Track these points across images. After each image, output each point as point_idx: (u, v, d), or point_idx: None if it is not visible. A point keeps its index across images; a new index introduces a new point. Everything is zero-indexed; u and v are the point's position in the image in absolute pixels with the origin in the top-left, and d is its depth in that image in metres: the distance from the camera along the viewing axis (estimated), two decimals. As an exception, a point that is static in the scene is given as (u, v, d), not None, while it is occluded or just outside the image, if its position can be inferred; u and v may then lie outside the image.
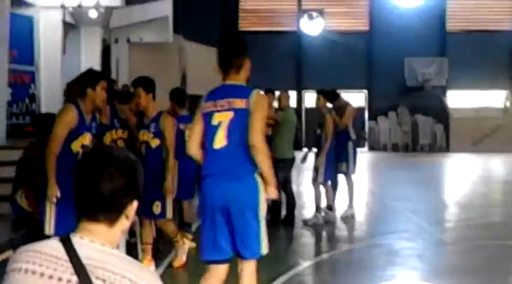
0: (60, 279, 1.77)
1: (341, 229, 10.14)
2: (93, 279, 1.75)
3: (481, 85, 31.41)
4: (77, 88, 5.79)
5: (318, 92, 10.47)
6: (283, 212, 10.12)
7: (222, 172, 4.39)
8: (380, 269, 7.45)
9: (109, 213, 1.90)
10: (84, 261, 1.79)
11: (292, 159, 10.06)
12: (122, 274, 1.78)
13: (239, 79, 4.73)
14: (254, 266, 4.49)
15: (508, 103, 31.47)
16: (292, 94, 30.60)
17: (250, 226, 4.36)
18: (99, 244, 1.86)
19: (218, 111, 4.48)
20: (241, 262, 4.45)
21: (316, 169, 10.05)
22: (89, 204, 1.89)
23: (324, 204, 10.26)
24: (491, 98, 32.24)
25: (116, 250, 1.90)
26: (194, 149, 4.58)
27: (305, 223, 10.05)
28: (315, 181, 10.12)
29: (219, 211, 4.35)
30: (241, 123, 4.41)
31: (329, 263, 7.92)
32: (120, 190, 1.89)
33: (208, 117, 4.52)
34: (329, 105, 10.42)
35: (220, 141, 4.43)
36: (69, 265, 1.78)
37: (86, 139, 5.60)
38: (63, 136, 5.46)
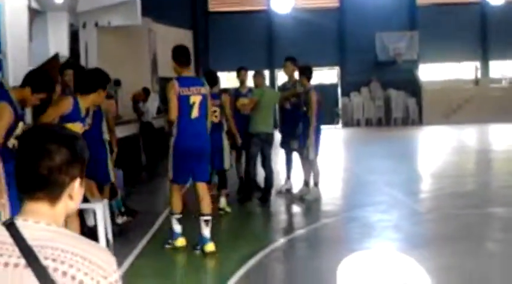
0: (6, 264, 1.71)
1: (316, 205, 10.16)
2: (42, 259, 1.69)
3: (452, 57, 31.62)
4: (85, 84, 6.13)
5: (286, 59, 10.59)
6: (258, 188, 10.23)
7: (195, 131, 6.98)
8: (356, 242, 7.52)
9: (49, 191, 1.81)
10: (31, 242, 1.72)
11: (270, 134, 10.08)
12: (72, 251, 1.72)
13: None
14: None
15: (479, 75, 31.71)
16: (265, 74, 30.64)
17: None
18: (45, 223, 1.79)
19: (193, 94, 6.95)
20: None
21: (304, 147, 10.01)
22: (28, 182, 1.81)
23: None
24: (462, 70, 32.49)
25: (63, 228, 1.83)
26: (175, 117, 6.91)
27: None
28: (306, 158, 10.09)
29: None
30: (205, 102, 7.07)
31: (305, 238, 7.95)
32: (58, 167, 1.80)
33: (185, 98, 6.90)
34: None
35: (195, 113, 6.95)
36: (15, 248, 1.71)
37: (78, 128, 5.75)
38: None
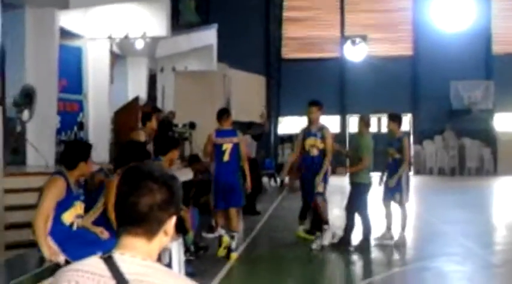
0: None
1: (389, 253, 10.03)
2: None
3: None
4: (70, 160, 5.68)
5: (390, 116, 10.61)
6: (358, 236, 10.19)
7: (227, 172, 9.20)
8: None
9: (147, 228, 1.90)
10: (127, 276, 1.80)
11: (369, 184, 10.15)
12: None
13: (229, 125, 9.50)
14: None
15: None
16: (336, 120, 30.66)
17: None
18: (141, 258, 1.87)
19: (225, 143, 9.20)
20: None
21: (400, 191, 10.21)
22: (128, 218, 1.90)
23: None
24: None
25: (158, 264, 1.91)
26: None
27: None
28: (401, 203, 10.26)
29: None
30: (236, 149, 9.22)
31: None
32: (158, 205, 1.89)
33: (219, 146, 9.23)
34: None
35: (226, 157, 9.18)
36: (113, 281, 1.80)
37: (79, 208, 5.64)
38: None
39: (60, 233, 5.46)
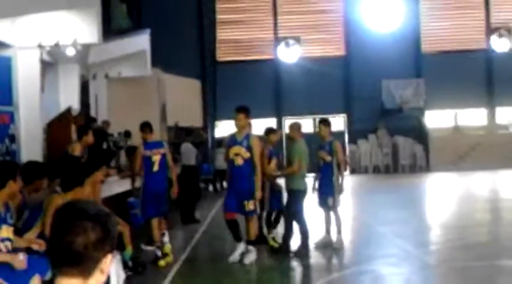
0: None
1: (327, 257, 10.15)
2: None
3: (458, 104, 31.76)
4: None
5: (321, 122, 10.77)
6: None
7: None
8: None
9: (83, 268, 1.87)
10: None
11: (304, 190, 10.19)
12: None
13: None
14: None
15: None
16: (273, 122, 30.84)
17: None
18: None
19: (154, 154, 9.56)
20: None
21: (333, 195, 10.37)
22: (63, 258, 1.87)
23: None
24: (468, 117, 32.61)
25: None
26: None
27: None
28: (334, 207, 10.43)
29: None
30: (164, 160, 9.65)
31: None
32: (93, 244, 1.87)
33: (148, 157, 9.52)
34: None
35: (156, 167, 9.55)
36: None
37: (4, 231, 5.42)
38: None
39: None
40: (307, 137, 10.66)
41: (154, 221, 9.55)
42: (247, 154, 9.19)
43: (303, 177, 10.12)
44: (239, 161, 9.22)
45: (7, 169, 5.58)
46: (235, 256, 9.30)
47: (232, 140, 9.41)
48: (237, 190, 9.25)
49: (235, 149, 9.27)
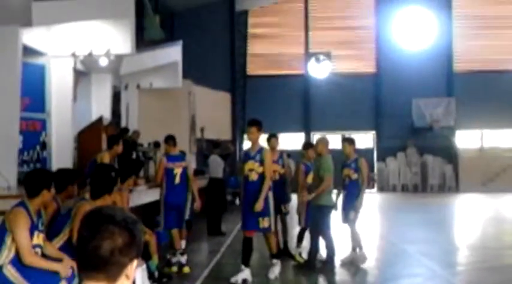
0: None
1: (352, 275, 10.07)
2: None
3: (489, 124, 31.43)
4: (32, 188, 5.55)
5: (345, 140, 10.77)
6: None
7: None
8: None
9: (109, 273, 1.89)
10: None
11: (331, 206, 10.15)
12: None
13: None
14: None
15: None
16: (301, 137, 30.83)
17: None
18: None
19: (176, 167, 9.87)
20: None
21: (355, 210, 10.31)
22: (89, 263, 1.89)
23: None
24: (499, 137, 32.23)
25: None
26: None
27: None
28: (354, 221, 10.37)
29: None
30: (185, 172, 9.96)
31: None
32: (120, 249, 1.89)
33: (170, 170, 9.82)
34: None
35: (177, 180, 9.86)
36: None
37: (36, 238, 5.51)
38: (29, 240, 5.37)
39: (20, 262, 5.38)
40: (334, 153, 10.62)
41: (175, 232, 9.86)
42: (260, 169, 8.90)
43: (331, 193, 10.09)
44: (253, 176, 8.92)
45: (42, 178, 5.65)
46: (237, 279, 8.83)
47: (246, 155, 9.15)
48: (250, 206, 8.85)
49: (249, 164, 8.97)
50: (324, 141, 10.39)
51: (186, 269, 9.52)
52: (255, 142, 9.03)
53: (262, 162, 8.87)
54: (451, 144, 31.44)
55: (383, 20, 32.34)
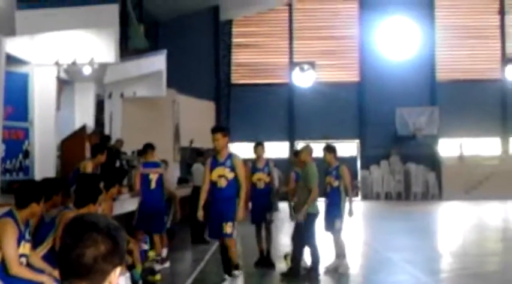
0: None
1: (337, 282, 10.09)
2: None
3: (472, 133, 31.65)
4: (21, 199, 5.56)
5: (325, 148, 10.78)
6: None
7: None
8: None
9: (92, 280, 1.89)
10: None
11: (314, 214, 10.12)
12: None
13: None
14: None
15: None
16: (285, 145, 30.87)
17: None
18: None
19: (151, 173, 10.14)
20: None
21: (340, 218, 10.36)
22: (72, 270, 1.89)
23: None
24: (482, 146, 32.47)
25: None
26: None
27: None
28: (339, 230, 10.41)
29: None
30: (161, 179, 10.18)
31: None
32: (103, 256, 1.89)
33: (146, 175, 10.08)
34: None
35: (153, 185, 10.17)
36: None
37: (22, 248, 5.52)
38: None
39: (5, 271, 5.37)
40: (318, 162, 10.66)
41: (156, 237, 10.27)
42: (231, 175, 8.66)
43: (316, 201, 10.11)
44: (222, 183, 8.67)
45: (31, 191, 5.65)
46: None
47: (213, 162, 8.82)
48: (217, 212, 8.65)
49: (219, 170, 8.70)
50: (307, 149, 10.43)
51: (157, 277, 9.59)
52: (222, 148, 8.77)
53: (233, 168, 8.67)
54: (434, 152, 31.65)
55: (367, 30, 32.55)
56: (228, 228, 8.57)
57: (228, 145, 9.03)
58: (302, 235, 9.94)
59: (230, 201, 8.63)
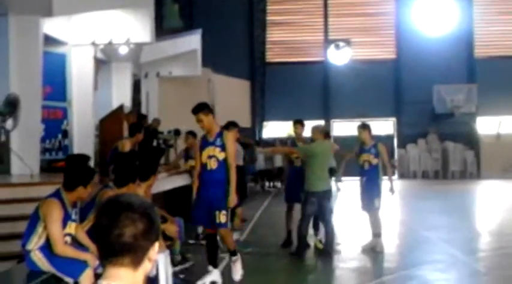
0: None
1: (374, 261, 10.08)
2: None
3: (510, 111, 31.09)
4: (70, 182, 5.70)
5: (359, 126, 10.72)
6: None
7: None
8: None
9: (133, 258, 1.95)
10: None
11: (328, 191, 10.11)
12: None
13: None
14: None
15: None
16: (320, 124, 30.73)
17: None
18: None
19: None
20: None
21: (379, 197, 10.39)
22: (113, 250, 1.95)
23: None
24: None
25: None
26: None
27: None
28: (377, 210, 10.43)
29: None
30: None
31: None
32: (142, 234, 1.95)
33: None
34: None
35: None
36: None
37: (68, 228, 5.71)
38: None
39: (49, 249, 5.51)
40: (353, 140, 10.61)
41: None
42: (222, 155, 7.82)
43: (319, 178, 10.04)
44: (213, 164, 7.82)
45: (80, 175, 5.76)
46: (204, 282, 7.97)
47: (203, 142, 7.97)
48: (208, 199, 7.84)
49: (209, 150, 7.85)
50: (318, 128, 10.40)
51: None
52: (209, 127, 7.87)
53: (223, 147, 7.83)
54: (472, 130, 31.20)
55: (402, 6, 32.08)
56: (222, 217, 7.77)
57: (215, 122, 8.06)
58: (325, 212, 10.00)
59: (221, 186, 7.81)
